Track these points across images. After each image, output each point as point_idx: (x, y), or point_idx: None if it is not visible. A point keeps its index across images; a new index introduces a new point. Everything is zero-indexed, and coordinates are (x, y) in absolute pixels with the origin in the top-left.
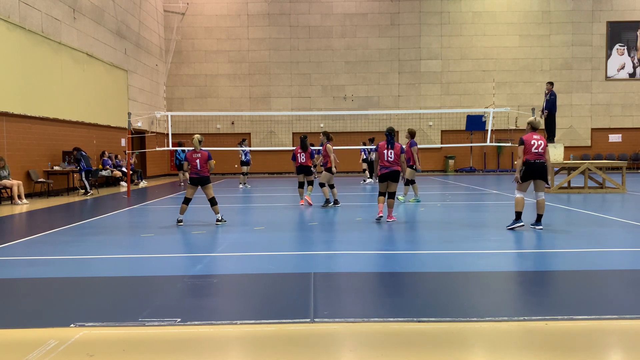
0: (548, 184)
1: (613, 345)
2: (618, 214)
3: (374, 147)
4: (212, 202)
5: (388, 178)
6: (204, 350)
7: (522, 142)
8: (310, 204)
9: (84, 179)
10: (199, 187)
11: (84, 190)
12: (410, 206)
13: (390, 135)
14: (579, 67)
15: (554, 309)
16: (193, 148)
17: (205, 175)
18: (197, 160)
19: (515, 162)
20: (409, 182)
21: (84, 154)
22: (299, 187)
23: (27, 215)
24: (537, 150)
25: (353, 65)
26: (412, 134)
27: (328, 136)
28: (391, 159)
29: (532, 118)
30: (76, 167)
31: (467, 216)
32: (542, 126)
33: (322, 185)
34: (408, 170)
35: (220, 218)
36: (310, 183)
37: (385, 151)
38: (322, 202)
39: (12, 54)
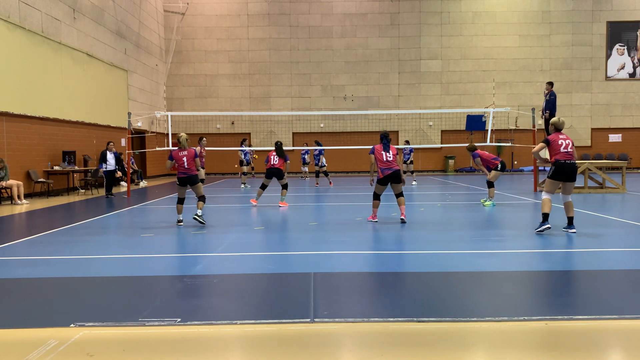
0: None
1: (613, 345)
2: (618, 214)
3: (410, 147)
4: (201, 198)
5: (391, 179)
6: (204, 350)
7: (547, 142)
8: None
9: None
10: (189, 186)
11: (106, 194)
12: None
13: (387, 138)
14: (579, 67)
15: (554, 309)
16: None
17: (193, 174)
18: (184, 158)
19: (537, 149)
20: (491, 185)
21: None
22: (260, 187)
23: (27, 215)
24: (566, 150)
25: (353, 65)
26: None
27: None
28: (390, 159)
29: (555, 119)
30: (104, 166)
31: (467, 216)
32: (563, 126)
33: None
34: (493, 172)
35: (199, 214)
36: (285, 187)
37: (384, 152)
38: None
39: (12, 54)
